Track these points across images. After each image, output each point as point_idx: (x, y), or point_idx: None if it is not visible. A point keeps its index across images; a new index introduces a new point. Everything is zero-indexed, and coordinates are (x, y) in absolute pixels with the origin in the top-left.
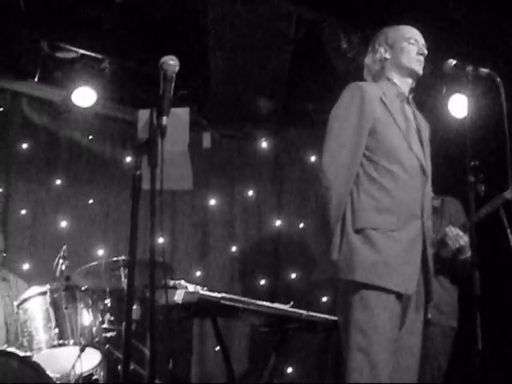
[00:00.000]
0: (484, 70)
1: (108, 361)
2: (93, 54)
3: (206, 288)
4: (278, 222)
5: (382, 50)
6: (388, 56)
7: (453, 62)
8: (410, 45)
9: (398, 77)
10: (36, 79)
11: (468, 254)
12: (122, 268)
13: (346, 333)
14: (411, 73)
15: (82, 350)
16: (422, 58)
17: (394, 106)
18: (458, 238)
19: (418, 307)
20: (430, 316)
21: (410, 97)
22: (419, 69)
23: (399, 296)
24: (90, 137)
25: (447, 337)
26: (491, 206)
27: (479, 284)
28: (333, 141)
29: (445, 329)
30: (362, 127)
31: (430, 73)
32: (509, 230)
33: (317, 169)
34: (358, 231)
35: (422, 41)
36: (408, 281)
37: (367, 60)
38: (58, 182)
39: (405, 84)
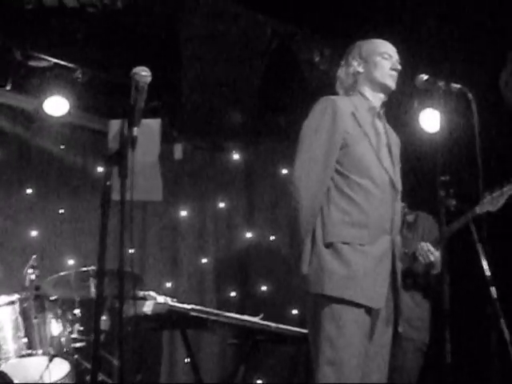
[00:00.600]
0: (455, 86)
1: (76, 371)
2: (66, 64)
3: (175, 299)
4: (248, 234)
5: (355, 63)
6: (361, 70)
7: (424, 76)
8: (383, 59)
9: (370, 91)
10: (8, 88)
11: (440, 269)
12: (91, 278)
13: (315, 346)
14: (384, 88)
15: (50, 360)
16: (395, 74)
17: (366, 120)
18: (429, 253)
19: (387, 321)
20: (401, 330)
21: (382, 111)
22: (392, 84)
23: (369, 310)
24: (62, 146)
25: (418, 351)
26: (462, 221)
27: (448, 298)
28: (304, 154)
29: (416, 343)
30: (333, 141)
31: (402, 87)
32: (479, 245)
33: (288, 182)
34: (328, 245)
35: (395, 56)
36: (377, 295)
37: (340, 73)
38: (29, 191)
39: (377, 98)
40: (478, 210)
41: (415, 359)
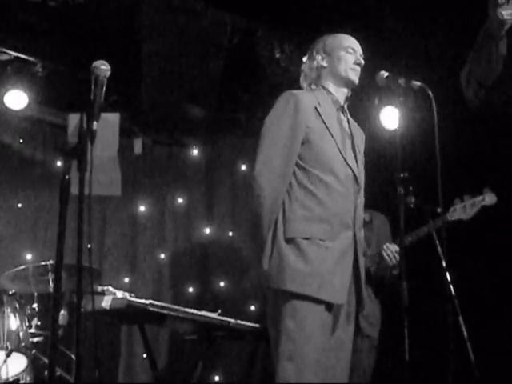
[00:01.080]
0: (416, 83)
1: (34, 366)
2: (26, 57)
3: (133, 294)
4: (207, 230)
5: (319, 57)
6: (325, 64)
7: (385, 73)
8: (347, 54)
9: (333, 85)
10: None
11: (395, 271)
12: (50, 273)
13: (275, 341)
14: (347, 82)
15: (8, 355)
16: (358, 68)
17: (329, 114)
18: (397, 254)
19: (348, 317)
20: (363, 326)
21: (345, 106)
22: (355, 78)
23: (329, 306)
24: (21, 140)
25: (373, 348)
26: (431, 226)
27: (407, 296)
28: (266, 149)
29: (371, 340)
30: (295, 136)
31: (363, 84)
32: (438, 243)
33: (249, 176)
34: (288, 240)
35: (359, 51)
36: (338, 291)
37: (304, 67)
38: None
39: (340, 93)
40: (449, 217)
41: (371, 357)
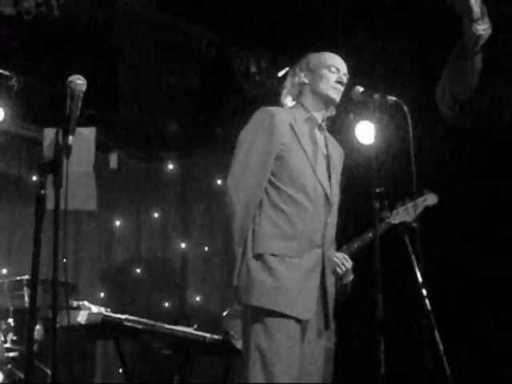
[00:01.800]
0: (391, 98)
1: (10, 381)
2: (1, 71)
3: (109, 309)
4: (183, 245)
5: (302, 74)
6: (306, 81)
7: (360, 88)
8: (330, 72)
9: (312, 102)
10: None
11: (350, 277)
12: (25, 287)
13: (246, 356)
14: (327, 100)
15: None
16: (340, 87)
17: (304, 131)
18: (345, 262)
19: (319, 333)
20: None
21: (323, 124)
22: (335, 97)
23: (298, 321)
24: None
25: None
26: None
27: (382, 309)
28: (238, 164)
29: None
30: (268, 152)
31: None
32: (413, 257)
33: (222, 191)
34: (256, 256)
35: (343, 70)
36: (305, 307)
37: (287, 83)
38: None
39: (319, 111)
40: (392, 220)
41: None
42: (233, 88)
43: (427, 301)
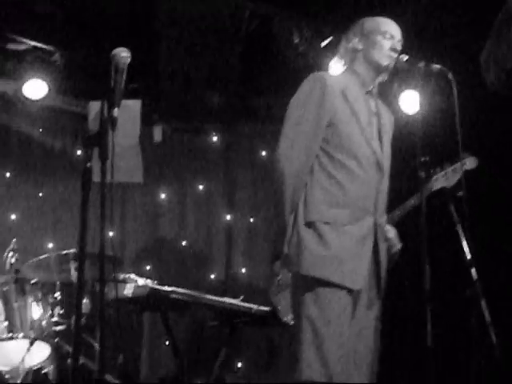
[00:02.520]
0: (436, 66)
1: (58, 354)
2: (44, 46)
3: (156, 282)
4: (228, 217)
5: (355, 40)
6: (360, 47)
7: (404, 57)
8: (384, 39)
9: (365, 69)
10: None
11: (398, 246)
12: (72, 261)
13: (297, 326)
14: (379, 68)
15: (31, 344)
16: (393, 55)
17: (355, 98)
18: (387, 232)
19: (370, 303)
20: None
21: (374, 90)
22: (388, 65)
23: (350, 291)
24: (41, 129)
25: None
26: (416, 198)
27: (429, 278)
28: (290, 131)
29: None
30: (320, 119)
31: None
32: (459, 226)
33: (272, 159)
34: (308, 224)
35: (398, 36)
36: (356, 276)
37: (340, 48)
38: (8, 174)
39: (370, 77)
40: (431, 186)
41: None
42: (276, 59)
43: (473, 270)
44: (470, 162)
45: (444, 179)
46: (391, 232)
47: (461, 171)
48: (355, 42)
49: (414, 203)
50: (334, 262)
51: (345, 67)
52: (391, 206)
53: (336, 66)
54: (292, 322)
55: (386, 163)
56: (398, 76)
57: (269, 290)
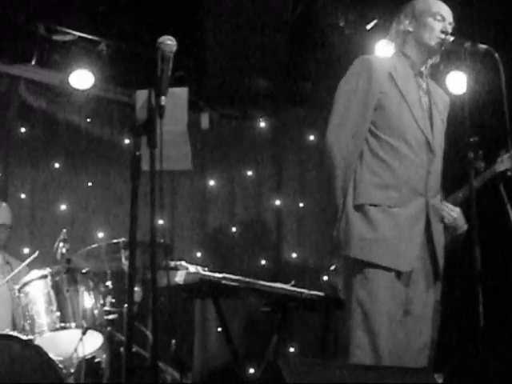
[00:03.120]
0: (482, 46)
1: (110, 343)
2: (89, 37)
3: (206, 268)
4: (277, 202)
5: (406, 21)
6: (411, 29)
7: (450, 37)
8: (435, 21)
9: (416, 52)
10: (33, 62)
11: (464, 227)
12: (122, 250)
13: (348, 310)
14: (430, 50)
15: (83, 333)
16: (443, 36)
17: (404, 80)
18: (452, 212)
19: (427, 285)
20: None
21: (426, 72)
22: (439, 46)
23: (399, 273)
24: (88, 119)
25: (437, 312)
26: (481, 180)
27: (480, 260)
28: (338, 115)
29: (437, 304)
30: (368, 102)
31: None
32: (509, 206)
33: (321, 145)
34: (357, 207)
35: (449, 18)
36: (406, 258)
37: (391, 30)
38: (57, 165)
39: (421, 59)
40: (497, 168)
41: (436, 321)
42: (321, 43)
43: None
44: None
45: (509, 160)
46: (455, 212)
47: None
48: (406, 24)
49: (476, 185)
50: (382, 244)
51: (395, 50)
52: (448, 188)
53: (385, 49)
54: None
55: (438, 143)
56: (444, 57)
57: (328, 271)
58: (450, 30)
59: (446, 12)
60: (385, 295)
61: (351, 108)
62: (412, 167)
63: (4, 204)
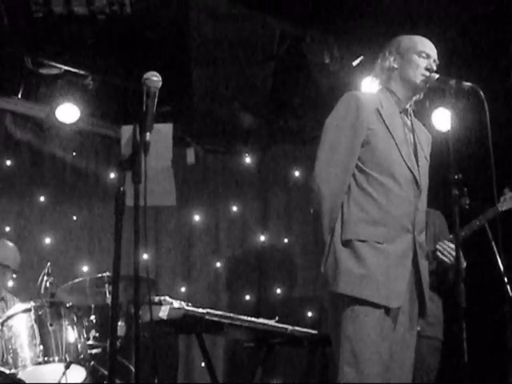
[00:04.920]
0: (467, 84)
1: (93, 377)
2: (76, 71)
3: (190, 304)
4: (262, 238)
5: (391, 58)
6: (396, 65)
7: (436, 75)
8: (420, 58)
9: (400, 88)
10: (19, 95)
11: (463, 264)
12: (106, 284)
13: (335, 345)
14: (415, 87)
15: (67, 367)
16: (428, 74)
17: (391, 117)
18: (452, 251)
19: (411, 322)
20: (418, 328)
21: (410, 109)
22: (424, 84)
23: (387, 309)
24: (74, 153)
25: (436, 350)
26: (483, 218)
27: (465, 296)
28: (326, 151)
29: (434, 341)
30: (356, 138)
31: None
32: (494, 243)
33: (309, 180)
34: (345, 243)
35: (434, 56)
36: (394, 294)
37: (376, 67)
38: (42, 198)
39: (406, 96)
40: (500, 207)
41: (433, 357)
42: (307, 79)
43: (509, 287)
44: None
45: None
46: (453, 251)
47: None
48: (391, 61)
49: (479, 224)
50: (371, 280)
51: (380, 86)
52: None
53: (371, 85)
54: None
55: (424, 180)
56: (429, 94)
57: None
58: (434, 68)
59: (431, 49)
60: (373, 331)
61: (340, 144)
62: (400, 204)
63: (11, 244)
